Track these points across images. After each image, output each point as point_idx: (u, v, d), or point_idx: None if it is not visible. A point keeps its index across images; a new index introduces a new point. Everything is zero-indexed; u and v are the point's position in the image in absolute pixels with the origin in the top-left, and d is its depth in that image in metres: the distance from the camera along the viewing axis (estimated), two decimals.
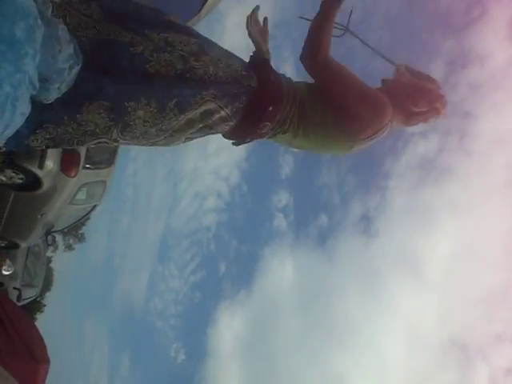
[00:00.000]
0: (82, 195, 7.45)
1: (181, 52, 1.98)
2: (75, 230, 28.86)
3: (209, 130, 2.14)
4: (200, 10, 5.34)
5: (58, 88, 1.43)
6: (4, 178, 6.61)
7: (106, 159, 7.43)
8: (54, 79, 1.39)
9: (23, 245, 8.37)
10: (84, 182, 7.10)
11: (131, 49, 1.85)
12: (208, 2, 5.31)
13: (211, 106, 2.03)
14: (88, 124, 1.80)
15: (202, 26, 5.76)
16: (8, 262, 8.58)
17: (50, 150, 6.27)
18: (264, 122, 2.18)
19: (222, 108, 2.05)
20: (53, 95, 1.45)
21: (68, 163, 6.57)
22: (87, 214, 8.78)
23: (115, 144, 2.01)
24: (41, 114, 1.68)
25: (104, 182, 7.68)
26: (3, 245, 8.23)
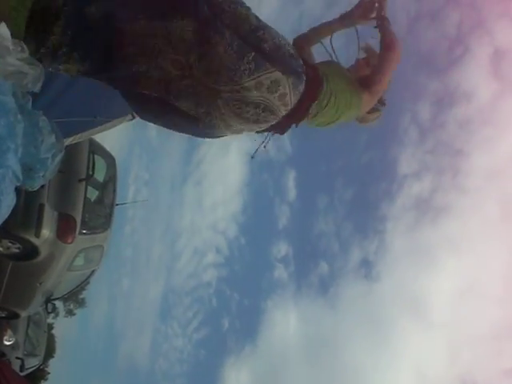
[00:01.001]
0: (79, 261, 7.43)
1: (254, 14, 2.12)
2: (75, 296, 28.63)
3: (270, 114, 2.18)
4: None
5: (43, 176, 1.46)
6: (1, 249, 6.60)
7: (102, 223, 7.44)
8: (37, 168, 1.42)
9: (23, 314, 8.30)
10: (81, 247, 7.09)
11: None
12: None
13: (281, 78, 2.11)
14: (176, 34, 1.91)
15: None
16: (9, 332, 8.51)
17: (45, 218, 6.29)
18: (312, 102, 2.30)
19: (289, 85, 2.14)
20: (38, 183, 1.48)
21: (64, 230, 6.58)
22: (86, 280, 8.74)
23: (186, 73, 2.00)
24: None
25: (101, 246, 7.67)
26: (3, 315, 8.16)
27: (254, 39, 2.04)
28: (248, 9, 2.10)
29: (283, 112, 2.21)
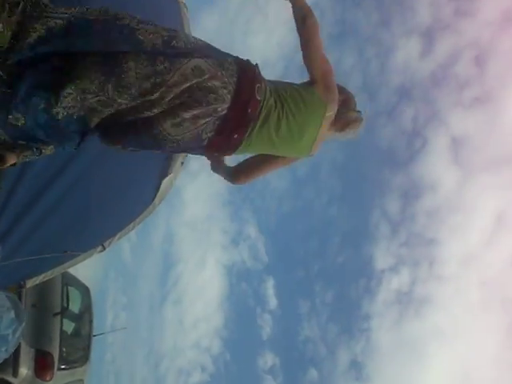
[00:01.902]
0: None
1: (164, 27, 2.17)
2: None
3: (208, 92, 2.12)
4: (153, 199, 5.52)
5: (6, 350, 1.46)
6: None
7: (80, 357, 7.29)
8: None
9: None
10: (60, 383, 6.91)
11: (117, 22, 2.06)
12: (160, 190, 5.50)
13: (200, 62, 2.10)
14: (83, 81, 1.95)
15: (161, 206, 5.92)
16: None
17: (22, 357, 6.15)
18: (254, 100, 2.22)
19: (212, 65, 2.12)
20: (1, 357, 1.48)
21: (42, 367, 6.42)
22: None
23: (114, 104, 2.03)
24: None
25: (81, 380, 7.46)
26: None
27: (166, 47, 2.11)
28: (156, 25, 2.17)
29: (223, 91, 2.15)
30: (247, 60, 2.33)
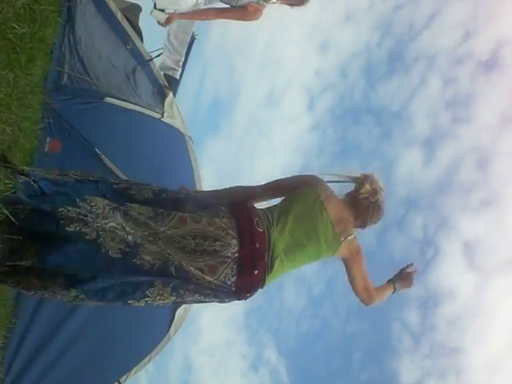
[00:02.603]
0: None
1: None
2: None
3: (214, 241, 2.20)
4: (168, 329, 5.46)
5: None
6: None
7: None
8: None
9: None
10: None
11: None
12: (175, 321, 5.44)
13: (195, 212, 2.25)
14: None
15: (177, 334, 5.83)
16: None
17: None
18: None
19: (206, 215, 2.24)
20: None
21: None
22: None
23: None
24: None
25: None
26: None
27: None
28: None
29: (226, 237, 2.24)
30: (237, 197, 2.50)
